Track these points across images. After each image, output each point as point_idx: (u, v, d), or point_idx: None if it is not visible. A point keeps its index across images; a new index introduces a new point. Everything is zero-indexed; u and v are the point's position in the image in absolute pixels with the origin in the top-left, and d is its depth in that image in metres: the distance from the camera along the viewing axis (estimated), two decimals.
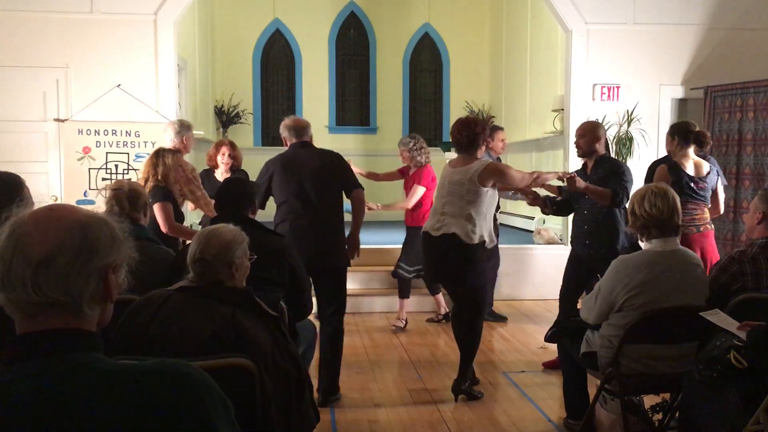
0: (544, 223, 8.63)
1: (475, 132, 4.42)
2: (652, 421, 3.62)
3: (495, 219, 5.11)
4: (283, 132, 4.71)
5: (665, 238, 3.35)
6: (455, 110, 12.22)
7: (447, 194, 4.41)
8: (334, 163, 4.59)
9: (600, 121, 7.28)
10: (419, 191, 6.12)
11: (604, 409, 3.59)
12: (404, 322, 6.30)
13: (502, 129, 6.44)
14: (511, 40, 10.94)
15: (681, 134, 5.04)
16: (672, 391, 3.52)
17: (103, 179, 6.64)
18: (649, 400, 3.73)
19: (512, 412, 4.28)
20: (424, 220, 5.94)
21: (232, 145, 5.96)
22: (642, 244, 3.63)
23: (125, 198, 3.62)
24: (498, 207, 5.12)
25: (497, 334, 6.13)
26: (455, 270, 4.41)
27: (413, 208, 6.18)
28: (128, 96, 6.81)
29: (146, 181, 4.68)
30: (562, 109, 7.92)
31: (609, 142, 7.36)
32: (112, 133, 6.75)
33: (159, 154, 4.77)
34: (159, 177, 4.66)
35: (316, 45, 11.94)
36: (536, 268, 7.46)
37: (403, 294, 6.35)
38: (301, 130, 4.67)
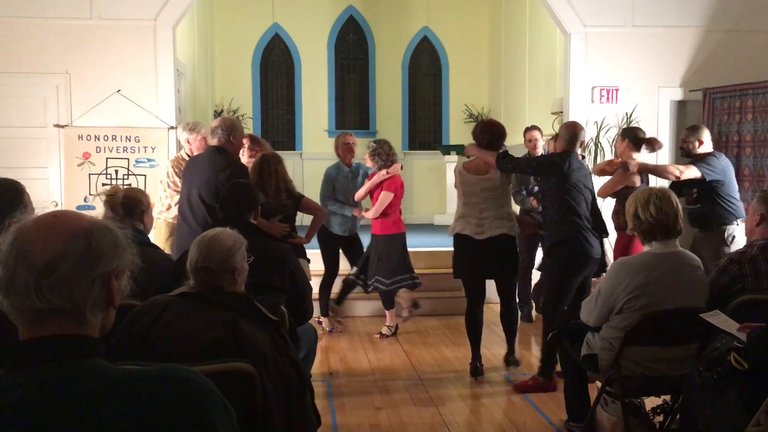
0: None
1: (495, 133, 4.85)
2: (653, 423, 3.62)
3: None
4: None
5: (666, 240, 3.36)
6: (454, 114, 12.24)
7: (482, 201, 4.84)
8: (233, 176, 4.31)
9: (599, 123, 7.34)
10: (387, 198, 5.89)
11: (605, 412, 3.59)
12: (394, 328, 6.23)
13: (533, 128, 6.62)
14: (510, 43, 10.95)
15: (632, 139, 5.22)
16: (673, 393, 3.53)
17: (103, 185, 6.64)
18: (650, 402, 3.73)
19: (513, 415, 4.29)
20: (395, 227, 5.98)
21: (253, 140, 5.80)
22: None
23: (119, 204, 3.61)
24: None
25: (498, 337, 6.13)
26: (509, 263, 4.96)
27: (383, 216, 5.94)
28: (128, 101, 6.82)
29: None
30: (562, 112, 7.94)
31: (608, 143, 7.39)
32: (112, 139, 6.76)
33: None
34: None
35: (316, 49, 11.95)
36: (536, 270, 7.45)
37: (389, 305, 6.19)
38: (214, 131, 4.64)
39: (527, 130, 6.63)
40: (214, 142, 4.71)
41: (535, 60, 9.79)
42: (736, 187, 5.36)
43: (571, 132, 4.73)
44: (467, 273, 4.98)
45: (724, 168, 5.25)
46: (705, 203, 5.19)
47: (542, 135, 6.50)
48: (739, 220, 5.19)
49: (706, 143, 5.35)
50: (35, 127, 6.83)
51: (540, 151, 6.29)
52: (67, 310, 1.26)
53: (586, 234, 4.61)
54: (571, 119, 7.38)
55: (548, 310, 4.69)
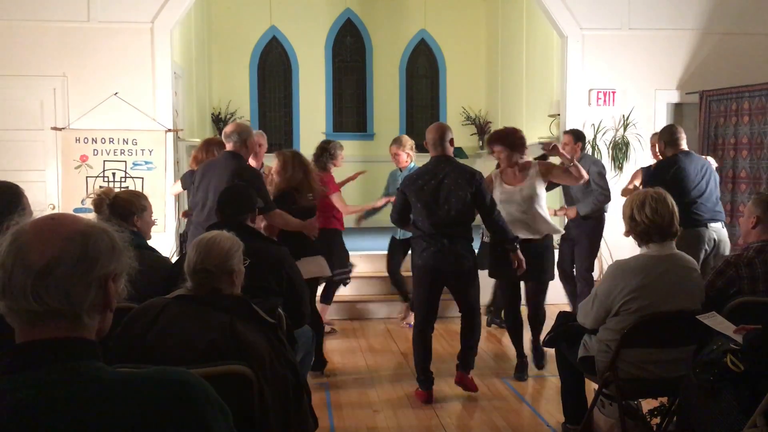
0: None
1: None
2: (650, 425, 3.62)
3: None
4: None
5: (663, 243, 3.36)
6: (452, 116, 12.24)
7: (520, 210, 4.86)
8: (248, 180, 4.47)
9: (596, 125, 7.35)
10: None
11: (602, 414, 3.59)
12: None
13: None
14: (507, 46, 10.96)
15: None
16: (669, 395, 3.53)
17: (101, 187, 6.63)
18: (646, 404, 3.74)
19: (511, 417, 4.29)
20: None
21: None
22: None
23: (106, 206, 3.53)
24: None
25: (495, 339, 6.14)
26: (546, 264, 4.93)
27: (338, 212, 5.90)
28: (125, 104, 6.82)
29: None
30: (558, 115, 7.95)
31: (605, 146, 7.40)
32: (110, 141, 6.76)
33: None
34: None
35: (313, 52, 11.95)
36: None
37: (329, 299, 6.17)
38: (230, 136, 4.74)
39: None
40: (229, 147, 4.77)
41: (532, 62, 9.81)
42: (703, 190, 5.27)
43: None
44: (506, 275, 4.88)
45: (676, 174, 5.20)
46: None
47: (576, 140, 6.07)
48: (711, 223, 5.24)
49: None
50: (32, 130, 6.83)
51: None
52: (63, 312, 1.26)
53: None
54: (568, 122, 7.41)
55: None
